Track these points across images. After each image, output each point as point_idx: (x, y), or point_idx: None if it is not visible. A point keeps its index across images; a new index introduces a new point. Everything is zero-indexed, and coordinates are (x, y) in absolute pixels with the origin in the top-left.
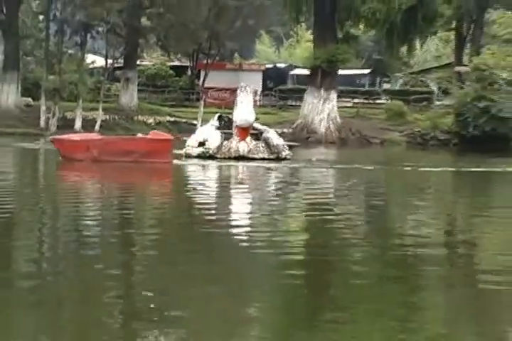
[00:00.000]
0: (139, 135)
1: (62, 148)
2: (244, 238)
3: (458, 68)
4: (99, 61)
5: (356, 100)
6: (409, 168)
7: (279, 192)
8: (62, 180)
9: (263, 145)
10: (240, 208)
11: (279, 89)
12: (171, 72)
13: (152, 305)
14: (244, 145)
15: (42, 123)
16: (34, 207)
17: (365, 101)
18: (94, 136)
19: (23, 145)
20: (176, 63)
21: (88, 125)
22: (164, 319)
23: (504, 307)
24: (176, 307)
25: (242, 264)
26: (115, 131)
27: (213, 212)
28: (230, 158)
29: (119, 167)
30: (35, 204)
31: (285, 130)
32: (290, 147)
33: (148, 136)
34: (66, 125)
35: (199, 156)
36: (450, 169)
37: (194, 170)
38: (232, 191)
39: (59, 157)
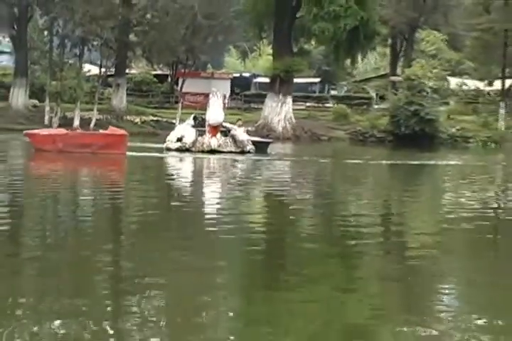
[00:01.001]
0: (100, 131)
1: (34, 141)
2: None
3: (392, 78)
4: (94, 69)
5: (308, 104)
6: (351, 161)
7: (244, 179)
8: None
9: (231, 140)
10: (210, 191)
11: (244, 94)
12: (154, 79)
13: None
14: (215, 141)
15: (46, 121)
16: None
17: (316, 104)
18: (60, 130)
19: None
20: (159, 72)
21: (85, 123)
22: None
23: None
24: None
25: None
26: (107, 128)
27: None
28: (203, 152)
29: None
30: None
31: (249, 128)
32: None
33: (106, 131)
34: (66, 123)
35: (177, 150)
36: (385, 162)
37: (172, 161)
38: (205, 177)
39: (32, 148)
